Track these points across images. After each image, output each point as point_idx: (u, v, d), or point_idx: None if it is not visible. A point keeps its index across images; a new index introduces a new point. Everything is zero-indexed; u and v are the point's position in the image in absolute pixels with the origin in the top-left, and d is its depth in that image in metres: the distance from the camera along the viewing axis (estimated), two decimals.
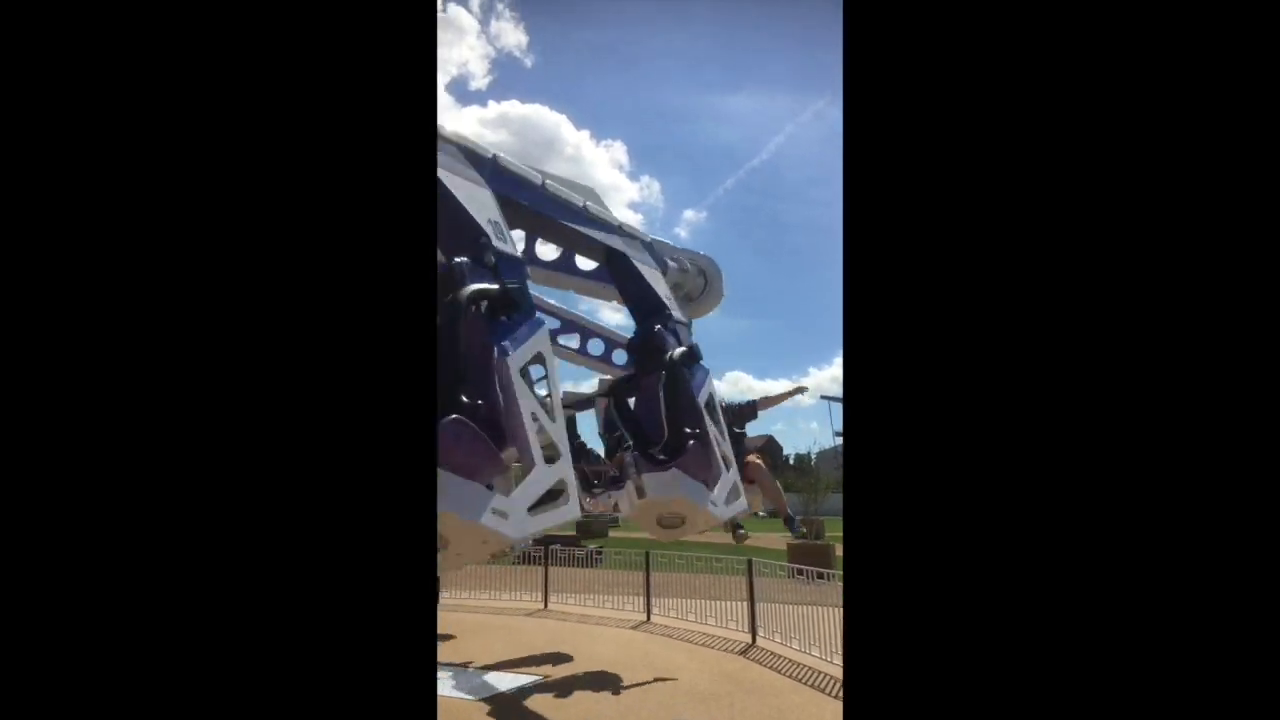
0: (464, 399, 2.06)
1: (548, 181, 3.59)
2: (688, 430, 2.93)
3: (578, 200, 3.66)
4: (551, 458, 2.31)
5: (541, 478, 2.20)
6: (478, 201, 2.67)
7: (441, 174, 2.62)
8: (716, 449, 2.98)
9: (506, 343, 2.21)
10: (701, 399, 3.09)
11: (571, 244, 3.78)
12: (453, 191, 2.58)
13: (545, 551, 12.87)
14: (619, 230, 3.90)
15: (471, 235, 2.54)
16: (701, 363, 3.25)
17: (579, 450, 8.44)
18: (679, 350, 3.19)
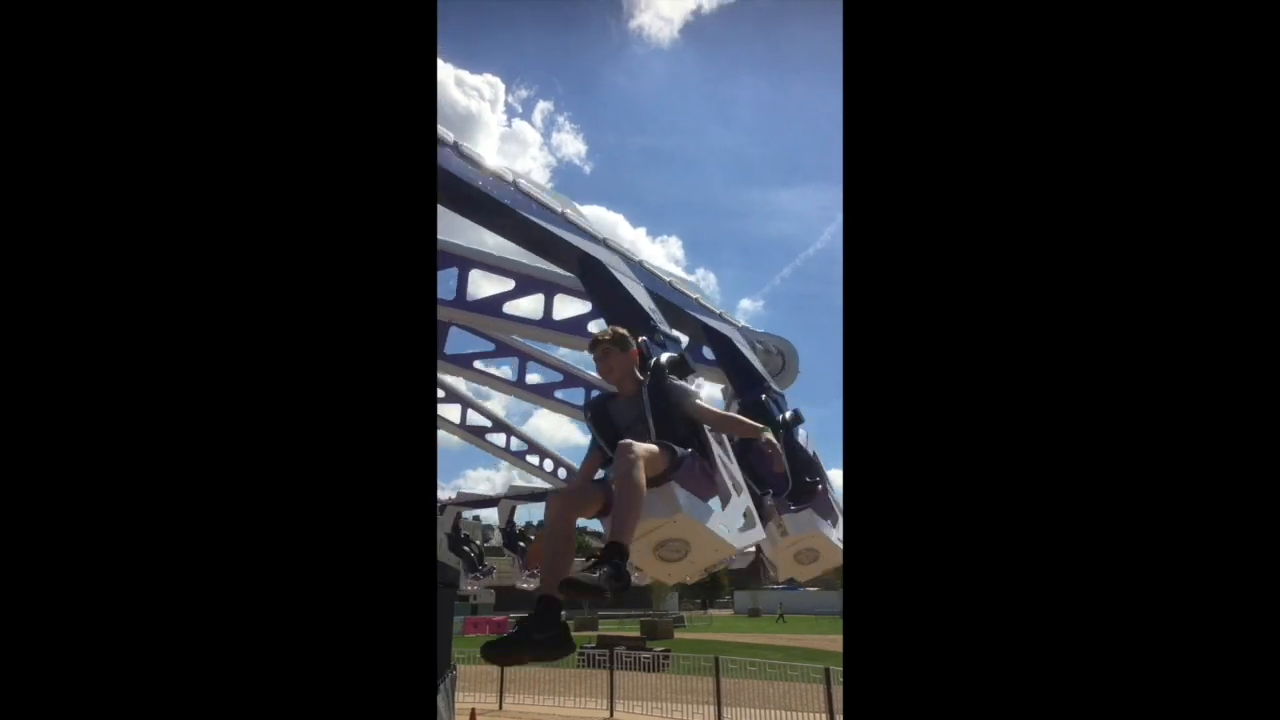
0: (683, 438, 2.48)
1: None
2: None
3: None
4: (739, 490, 2.65)
5: (739, 503, 2.51)
6: (640, 293, 3.24)
7: (614, 272, 3.22)
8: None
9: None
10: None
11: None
12: (625, 285, 3.16)
13: (610, 654, 12.34)
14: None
15: (642, 319, 3.04)
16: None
17: (465, 539, 8.88)
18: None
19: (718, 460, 2.52)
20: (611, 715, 11.00)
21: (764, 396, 3.46)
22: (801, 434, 3.49)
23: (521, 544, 8.65)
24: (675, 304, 3.82)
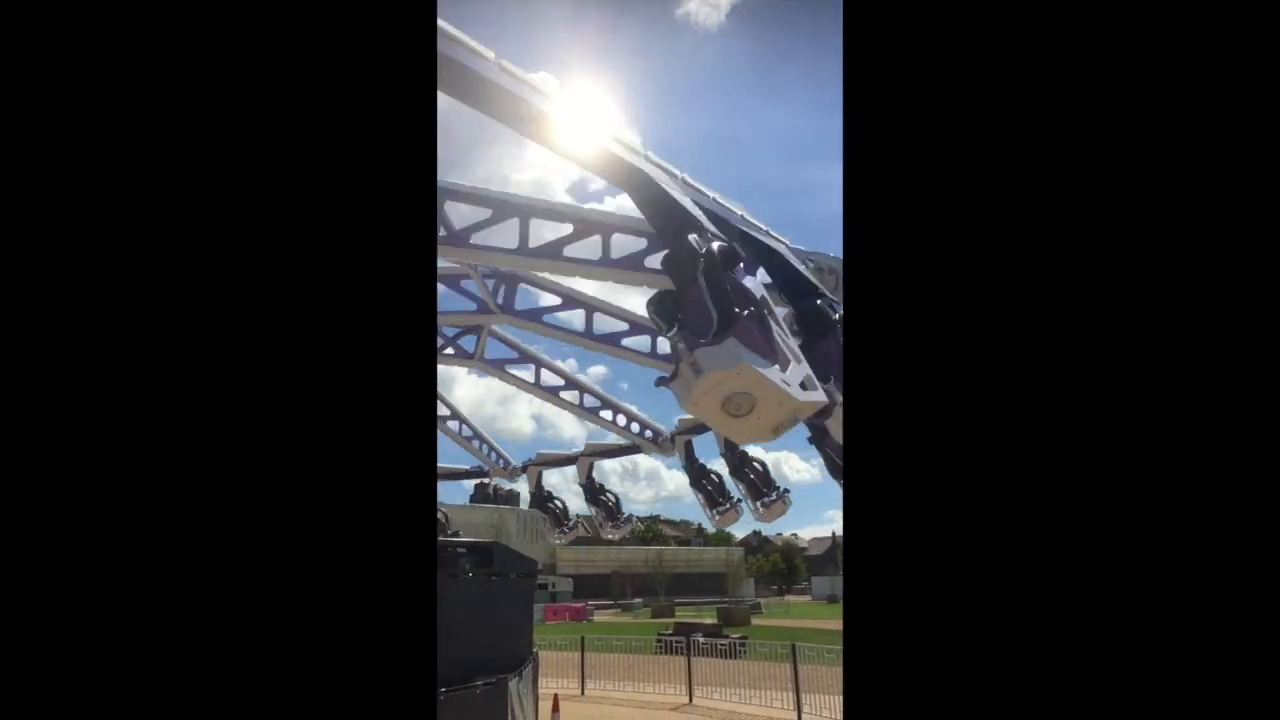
0: (738, 309, 2.67)
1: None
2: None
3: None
4: (798, 359, 2.84)
5: (799, 369, 2.63)
6: (687, 201, 3.50)
7: (660, 184, 3.47)
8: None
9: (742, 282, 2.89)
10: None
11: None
12: (672, 194, 3.44)
13: (687, 641, 12.49)
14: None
15: (689, 220, 3.28)
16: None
17: (549, 495, 9.33)
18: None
19: (774, 330, 2.69)
20: (690, 701, 11.13)
21: (819, 302, 3.57)
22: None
23: (603, 498, 8.80)
24: (722, 217, 3.85)
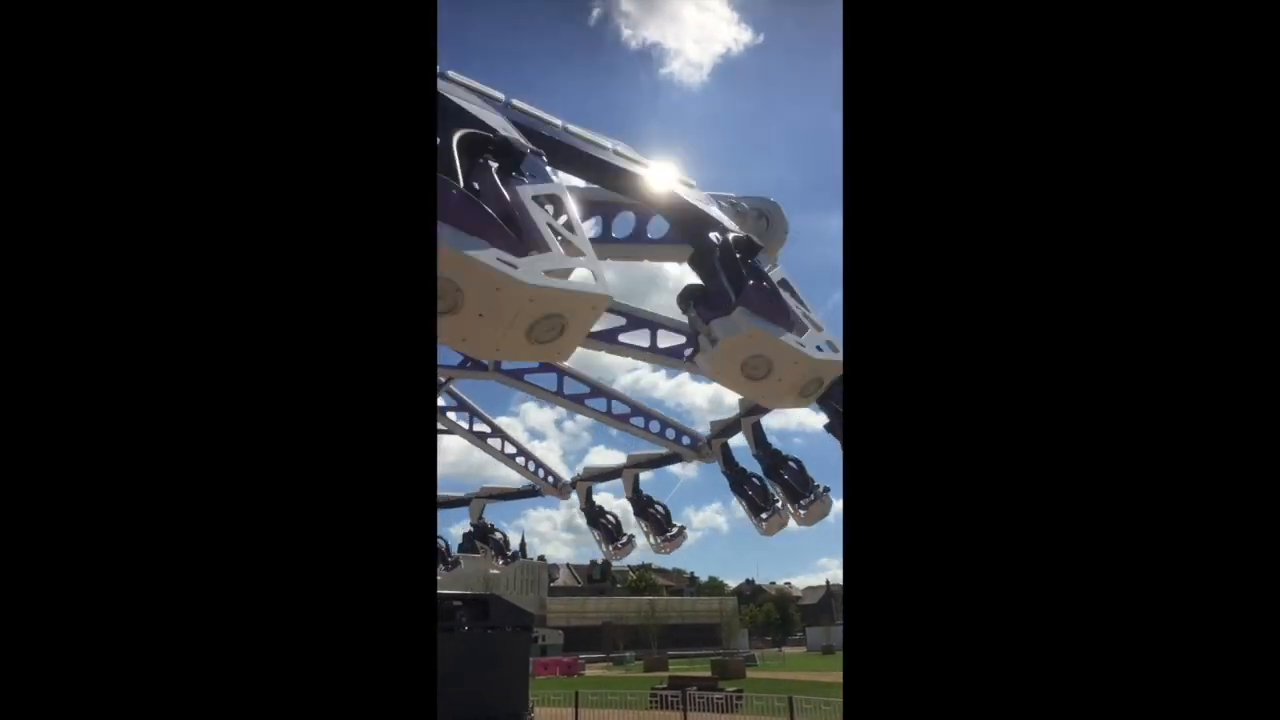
0: (462, 191, 2.12)
1: (568, 125, 3.29)
2: (750, 281, 2.75)
3: (605, 142, 3.36)
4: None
5: (555, 258, 2.10)
6: (492, 118, 2.69)
7: (453, 98, 2.67)
8: (796, 309, 2.80)
9: (518, 180, 2.34)
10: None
11: (602, 175, 3.38)
12: (464, 106, 2.61)
13: (683, 695, 12.28)
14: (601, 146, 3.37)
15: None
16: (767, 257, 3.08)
17: (488, 530, 9.72)
18: (732, 235, 2.98)
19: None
20: None
21: (715, 235, 3.25)
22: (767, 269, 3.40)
23: (492, 537, 9.67)
24: (581, 148, 3.31)
